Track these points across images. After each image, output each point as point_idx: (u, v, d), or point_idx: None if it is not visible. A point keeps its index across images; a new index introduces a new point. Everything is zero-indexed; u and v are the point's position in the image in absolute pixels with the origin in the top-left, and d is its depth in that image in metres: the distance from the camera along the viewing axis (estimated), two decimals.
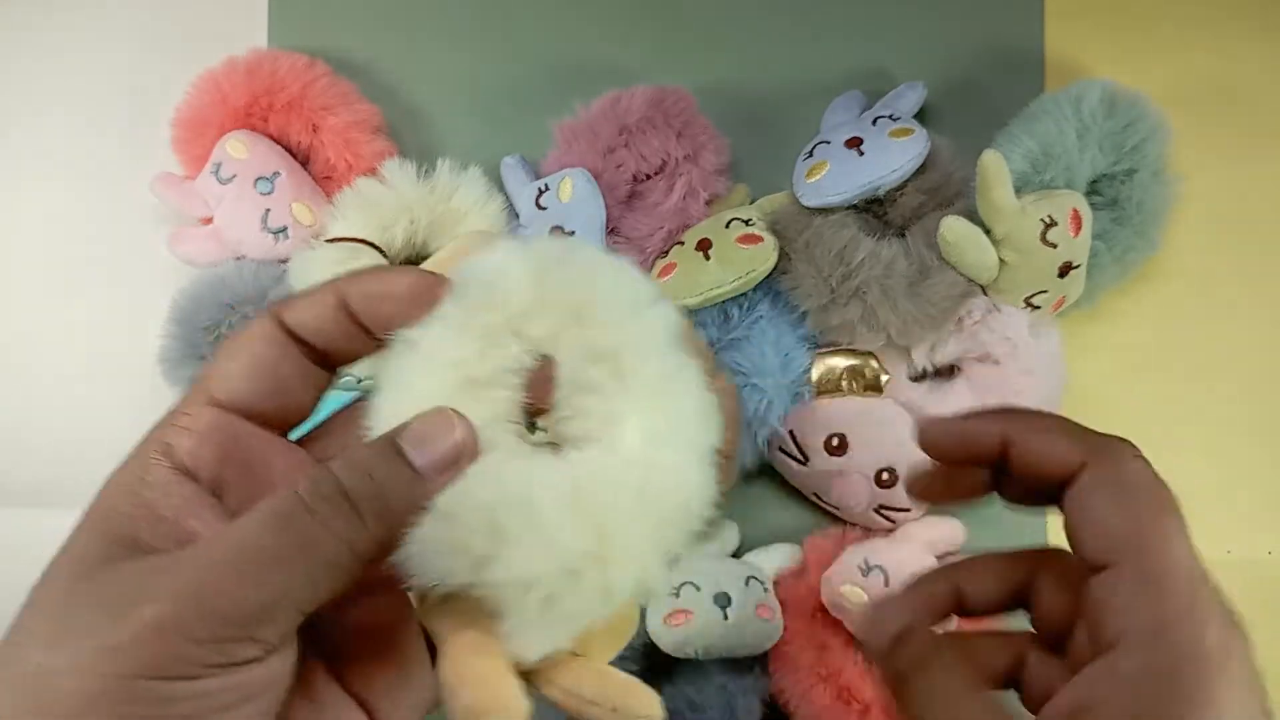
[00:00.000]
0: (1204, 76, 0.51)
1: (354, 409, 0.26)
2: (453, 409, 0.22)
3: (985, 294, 0.46)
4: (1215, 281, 0.51)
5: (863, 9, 0.52)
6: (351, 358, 0.24)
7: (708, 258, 0.46)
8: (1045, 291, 0.45)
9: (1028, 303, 0.45)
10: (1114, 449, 0.24)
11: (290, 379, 0.24)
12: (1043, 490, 0.25)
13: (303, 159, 0.49)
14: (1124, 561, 0.22)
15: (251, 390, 0.23)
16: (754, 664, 0.47)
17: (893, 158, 0.45)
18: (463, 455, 0.21)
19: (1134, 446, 0.24)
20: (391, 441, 0.21)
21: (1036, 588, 0.26)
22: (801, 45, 0.52)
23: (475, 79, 0.52)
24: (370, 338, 0.24)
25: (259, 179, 0.47)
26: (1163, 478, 0.24)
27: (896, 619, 0.26)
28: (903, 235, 0.46)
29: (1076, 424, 0.25)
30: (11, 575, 0.56)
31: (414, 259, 0.47)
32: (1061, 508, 0.24)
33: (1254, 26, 0.51)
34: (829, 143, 0.47)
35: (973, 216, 0.43)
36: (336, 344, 0.24)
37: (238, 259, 0.47)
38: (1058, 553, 0.26)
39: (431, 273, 0.24)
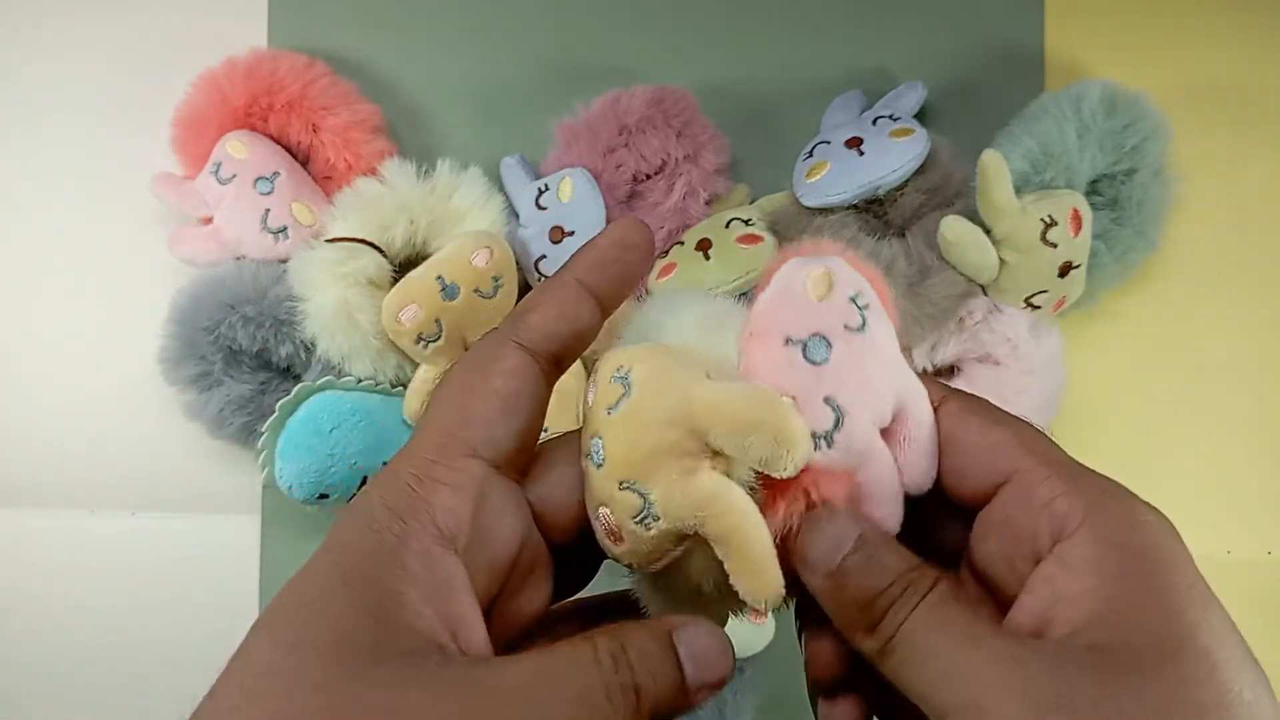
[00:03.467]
0: (1204, 76, 0.51)
1: (560, 440, 0.24)
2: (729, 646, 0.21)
3: (985, 294, 0.46)
4: (1215, 281, 0.51)
5: (863, 9, 0.52)
6: (577, 355, 0.24)
7: (708, 258, 0.46)
8: (1045, 291, 0.45)
9: (1028, 303, 0.45)
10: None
11: (536, 412, 0.23)
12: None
13: (303, 159, 0.49)
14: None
15: (510, 437, 0.22)
16: (744, 665, 0.47)
17: (893, 158, 0.45)
18: (725, 681, 0.21)
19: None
20: (672, 644, 0.20)
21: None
22: (801, 45, 0.52)
23: (475, 79, 0.52)
24: (602, 317, 0.24)
25: (259, 179, 0.47)
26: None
27: (846, 532, 0.22)
28: (903, 235, 0.46)
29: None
30: (11, 575, 0.56)
31: (414, 259, 0.47)
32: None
33: (1253, 26, 0.51)
34: (829, 143, 0.47)
35: (973, 216, 0.43)
36: (576, 342, 0.23)
37: (238, 259, 0.47)
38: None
39: (627, 219, 0.24)
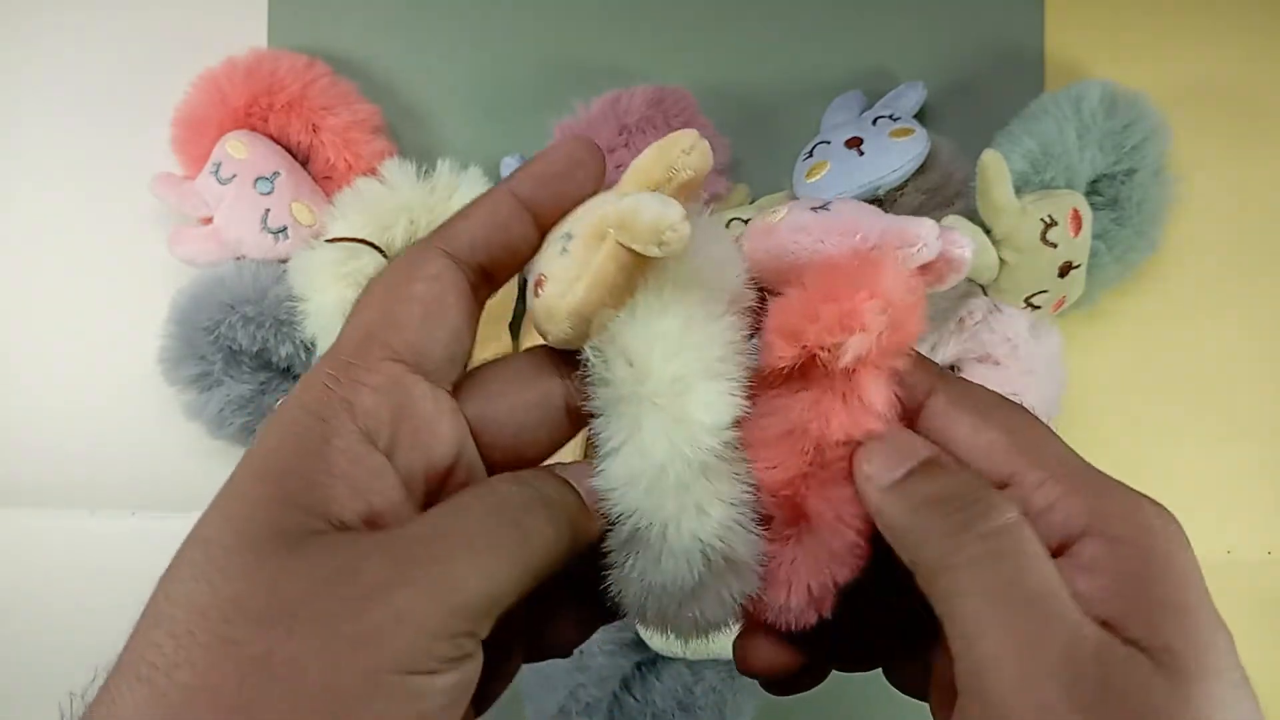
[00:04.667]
0: (1204, 76, 0.51)
1: (498, 362, 0.24)
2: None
3: (985, 294, 0.46)
4: (1215, 281, 0.51)
5: (863, 9, 0.52)
6: (510, 273, 0.23)
7: None
8: (1045, 291, 0.45)
9: (1028, 303, 0.45)
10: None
11: (461, 321, 0.22)
12: None
13: (303, 159, 0.49)
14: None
15: (434, 343, 0.21)
16: None
17: (893, 158, 0.45)
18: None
19: None
20: (567, 481, 0.22)
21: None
22: (801, 45, 0.52)
23: (475, 79, 0.52)
24: (539, 234, 0.23)
25: (259, 179, 0.47)
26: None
27: (910, 449, 0.21)
28: None
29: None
30: (11, 575, 0.56)
31: None
32: None
33: (1253, 27, 0.51)
34: (829, 143, 0.47)
35: (973, 216, 0.43)
36: (507, 255, 0.23)
37: (238, 259, 0.47)
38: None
39: (577, 138, 0.24)
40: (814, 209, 0.23)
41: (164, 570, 0.19)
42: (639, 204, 0.20)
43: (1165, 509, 0.20)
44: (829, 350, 0.21)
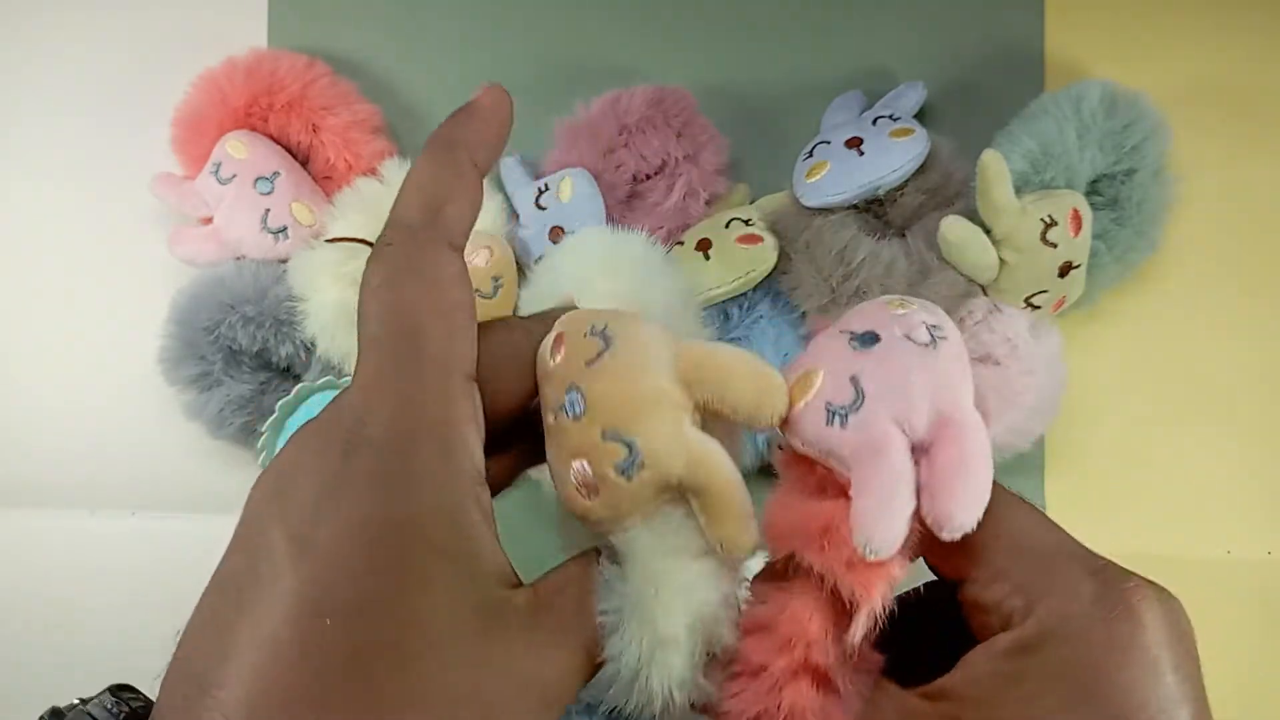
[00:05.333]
0: (1204, 76, 0.51)
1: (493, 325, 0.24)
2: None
3: (985, 294, 0.46)
4: (1215, 281, 0.51)
5: (863, 9, 0.52)
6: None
7: (708, 258, 0.46)
8: (1045, 291, 0.45)
9: (1028, 303, 0.45)
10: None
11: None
12: None
13: (303, 159, 0.49)
14: None
15: (473, 347, 0.23)
16: None
17: (893, 158, 0.45)
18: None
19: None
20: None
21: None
22: (801, 45, 0.52)
23: (475, 79, 0.51)
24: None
25: (259, 179, 0.47)
26: None
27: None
28: (903, 235, 0.46)
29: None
30: (11, 575, 0.56)
31: None
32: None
33: (1254, 26, 0.51)
34: (829, 143, 0.47)
35: (973, 216, 0.43)
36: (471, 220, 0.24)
37: (238, 259, 0.47)
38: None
39: (489, 88, 0.25)
40: (854, 345, 0.22)
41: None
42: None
43: (1113, 592, 0.20)
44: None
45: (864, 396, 0.22)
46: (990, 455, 0.21)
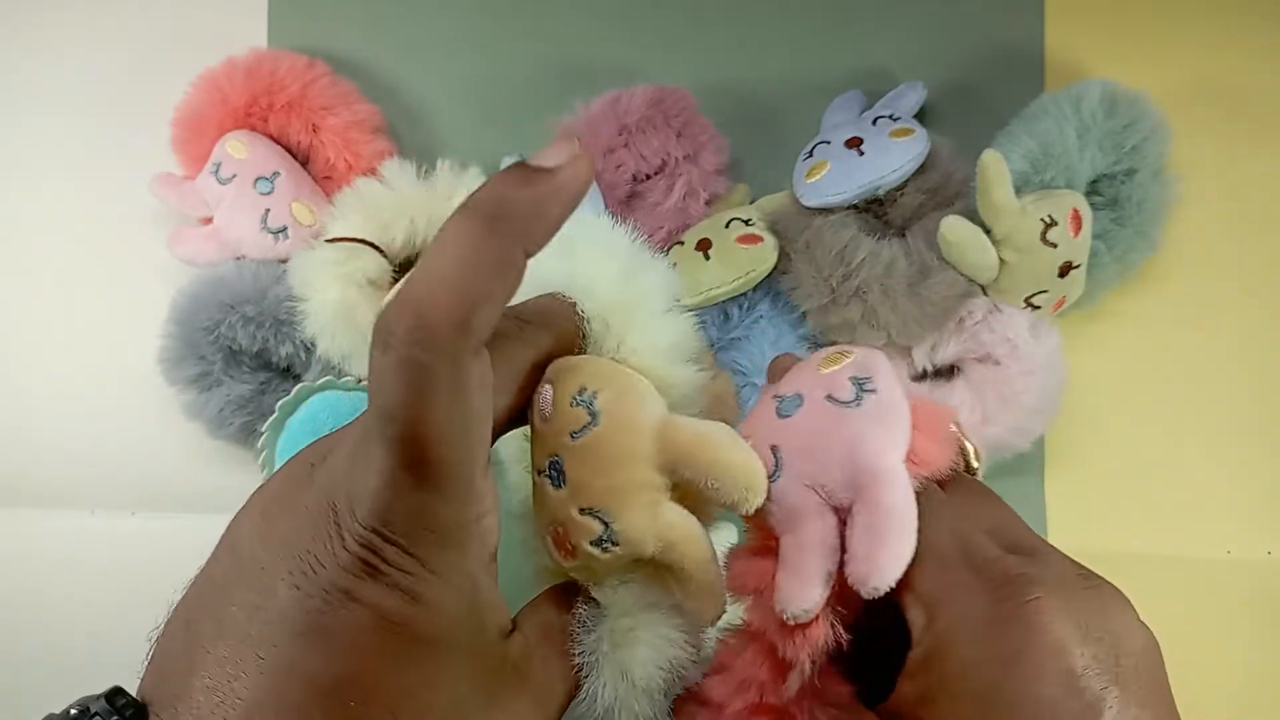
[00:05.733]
0: (1204, 76, 0.51)
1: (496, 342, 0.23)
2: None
3: (985, 294, 0.46)
4: (1215, 281, 0.51)
5: (863, 9, 0.52)
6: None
7: (707, 258, 0.46)
8: (1045, 291, 0.45)
9: (1028, 303, 0.45)
10: None
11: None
12: None
13: (303, 159, 0.49)
14: None
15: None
16: None
17: (893, 158, 0.45)
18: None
19: None
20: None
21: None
22: (801, 45, 0.52)
23: (475, 79, 0.52)
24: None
25: (259, 179, 0.47)
26: None
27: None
28: (903, 235, 0.46)
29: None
30: (11, 575, 0.56)
31: (414, 259, 0.47)
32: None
33: (1254, 26, 0.51)
34: (829, 143, 0.47)
35: (973, 216, 0.43)
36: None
37: (238, 259, 0.47)
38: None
39: (579, 153, 0.21)
40: (779, 412, 0.23)
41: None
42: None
43: (1007, 604, 0.20)
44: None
45: (781, 466, 0.22)
46: (913, 505, 0.21)
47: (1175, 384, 0.51)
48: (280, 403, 0.44)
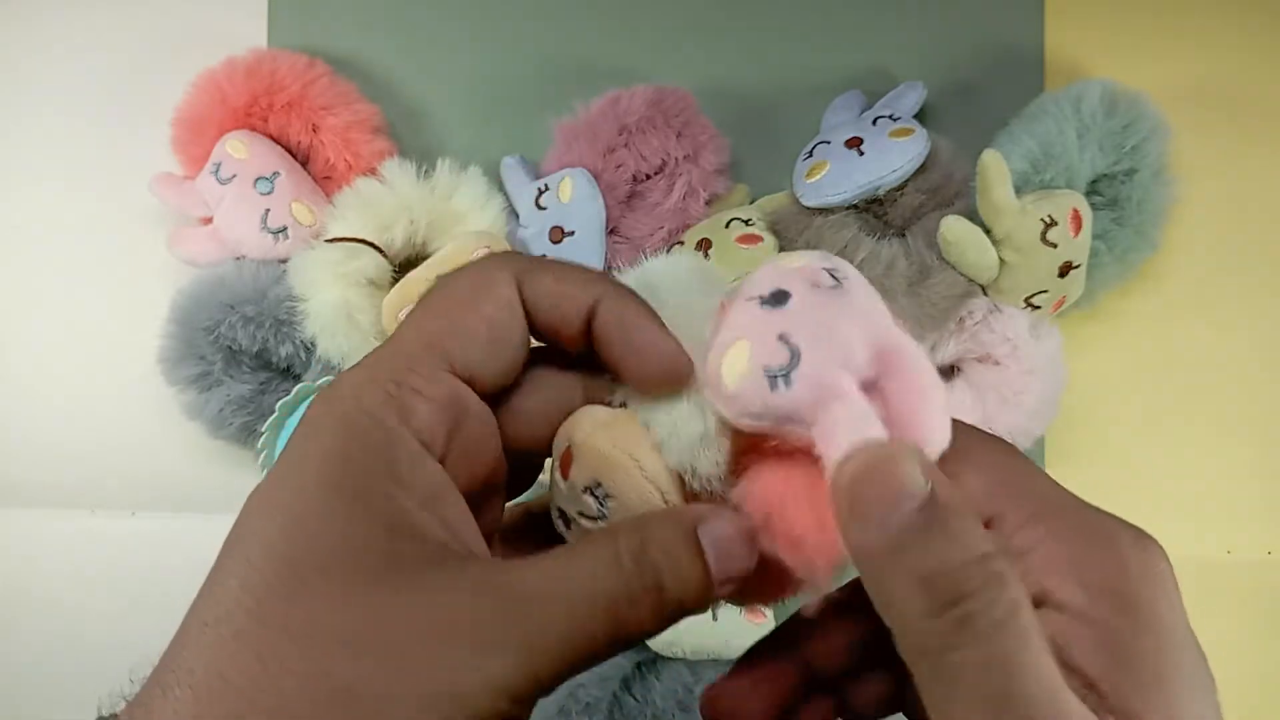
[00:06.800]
0: (1204, 76, 0.51)
1: (543, 369, 0.23)
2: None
3: (985, 294, 0.46)
4: (1215, 281, 0.51)
5: (863, 9, 0.52)
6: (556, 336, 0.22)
7: (707, 257, 0.46)
8: (1045, 291, 0.45)
9: (1028, 303, 0.45)
10: None
11: (520, 352, 0.22)
12: None
13: (303, 159, 0.49)
14: None
15: (488, 362, 0.21)
16: None
17: (893, 158, 0.45)
18: (747, 572, 0.20)
19: None
20: (696, 538, 0.19)
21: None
22: (801, 45, 0.52)
23: (475, 79, 0.52)
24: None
25: (259, 179, 0.47)
26: None
27: (911, 485, 0.18)
28: (903, 235, 0.46)
29: None
30: (11, 575, 0.56)
31: (414, 259, 0.47)
32: None
33: (1254, 27, 0.51)
34: (829, 143, 0.47)
35: (973, 216, 0.43)
36: (558, 333, 0.22)
37: (238, 259, 0.47)
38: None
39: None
40: (767, 305, 0.21)
41: (218, 574, 0.18)
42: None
43: (1149, 542, 0.20)
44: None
45: (799, 351, 0.21)
46: (935, 369, 0.21)
47: (1175, 384, 0.51)
48: (280, 403, 0.44)
